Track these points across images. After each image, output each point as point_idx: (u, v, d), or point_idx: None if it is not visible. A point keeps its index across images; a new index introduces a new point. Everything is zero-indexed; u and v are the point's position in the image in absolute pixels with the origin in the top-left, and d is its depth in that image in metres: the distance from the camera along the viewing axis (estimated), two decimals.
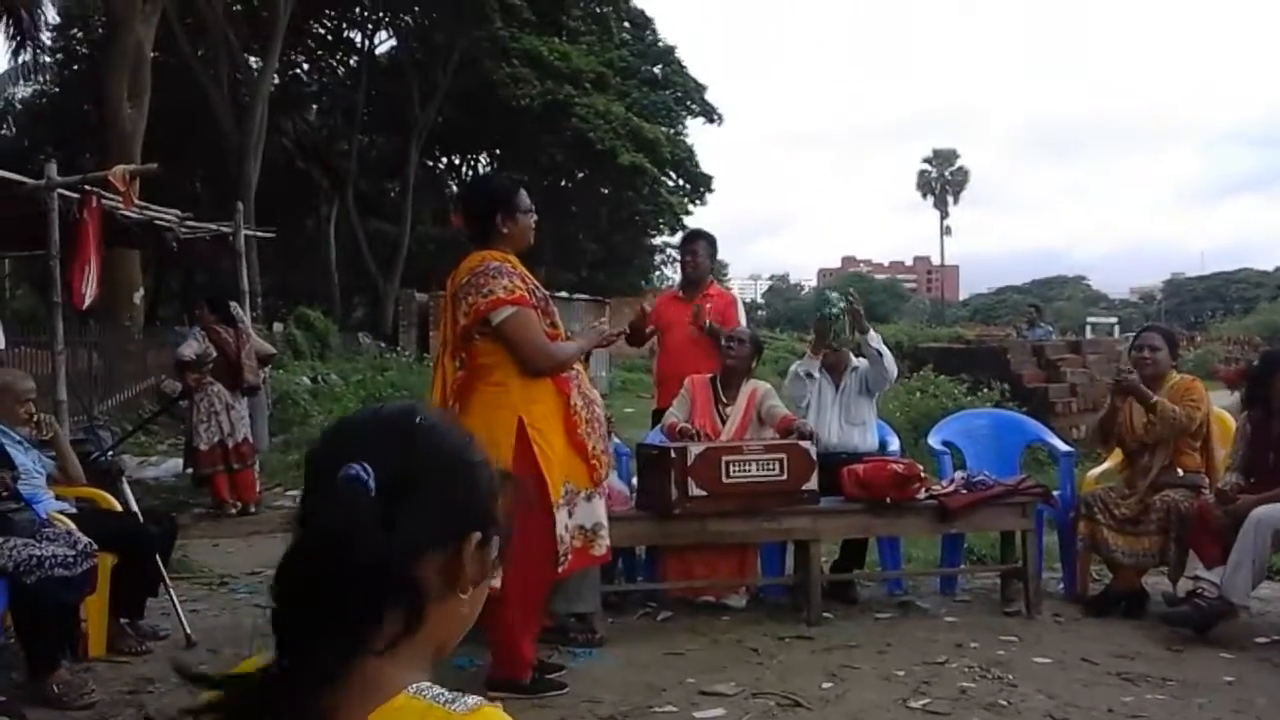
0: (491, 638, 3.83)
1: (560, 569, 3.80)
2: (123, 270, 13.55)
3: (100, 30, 19.67)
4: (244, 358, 7.65)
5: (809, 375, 5.49)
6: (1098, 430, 5.39)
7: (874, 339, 5.37)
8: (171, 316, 22.48)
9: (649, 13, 32.11)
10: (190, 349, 7.62)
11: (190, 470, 7.87)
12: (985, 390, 10.08)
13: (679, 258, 5.91)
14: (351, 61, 27.62)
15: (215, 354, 7.58)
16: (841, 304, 5.42)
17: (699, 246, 5.89)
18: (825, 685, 3.93)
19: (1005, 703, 3.73)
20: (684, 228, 33.85)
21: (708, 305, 5.69)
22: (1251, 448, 4.83)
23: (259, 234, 12.12)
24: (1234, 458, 4.92)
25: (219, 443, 7.51)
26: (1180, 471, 4.97)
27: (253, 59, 22.25)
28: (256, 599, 5.17)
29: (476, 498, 1.10)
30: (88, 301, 6.93)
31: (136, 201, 7.79)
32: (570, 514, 3.77)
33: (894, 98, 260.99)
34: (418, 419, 1.10)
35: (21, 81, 22.81)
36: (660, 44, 32.41)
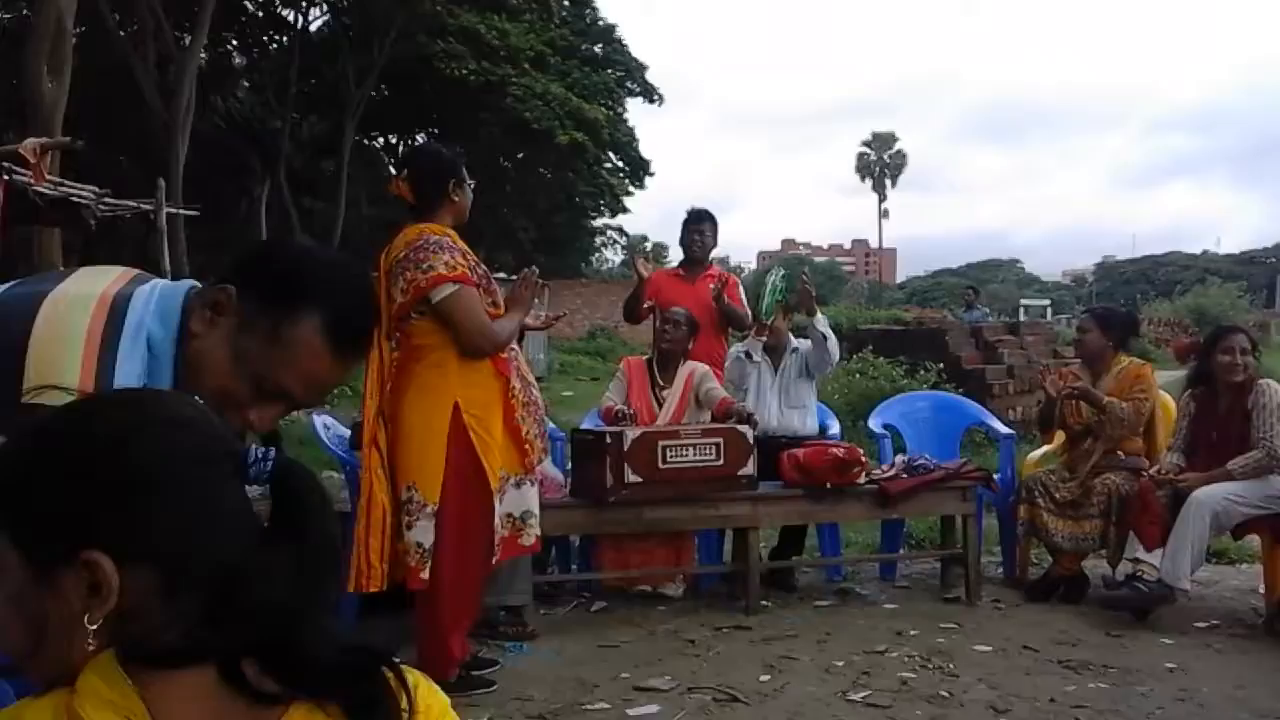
0: (420, 632, 3.66)
1: (493, 560, 3.64)
2: (42, 250, 13.06)
3: (20, 2, 18.99)
4: None
5: (749, 356, 5.36)
6: (1039, 419, 5.37)
7: (820, 322, 5.26)
8: None
9: None
10: None
11: None
12: (923, 372, 10.06)
13: (684, 236, 5.70)
14: (284, 39, 26.99)
15: None
16: (781, 283, 5.30)
17: (705, 226, 5.71)
18: (764, 678, 3.82)
19: (947, 694, 3.64)
20: (624, 210, 33.77)
21: (710, 286, 5.52)
22: (1194, 426, 4.79)
23: (182, 211, 11.75)
24: (1175, 437, 4.88)
25: None
26: (1122, 455, 4.93)
27: (184, 35, 21.62)
28: None
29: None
30: None
31: (49, 177, 7.46)
32: (500, 501, 3.61)
33: (834, 81, 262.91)
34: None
35: None
36: (601, 23, 32.11)
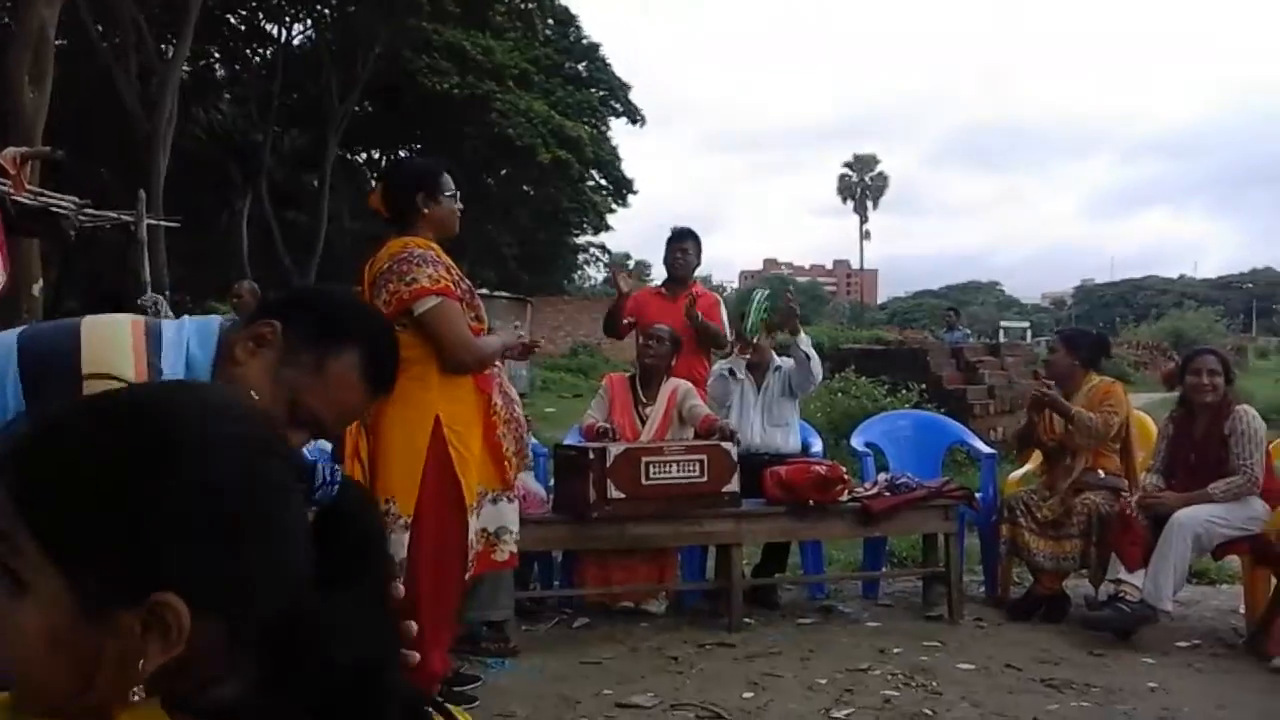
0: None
1: (467, 575, 3.62)
2: (20, 261, 12.97)
3: (2, 13, 18.90)
4: None
5: (732, 374, 5.36)
6: (1016, 441, 5.38)
7: (804, 341, 5.27)
8: (77, 310, 21.67)
9: (573, 9, 31.90)
10: None
11: None
12: (905, 391, 10.09)
13: (667, 255, 5.68)
14: (267, 52, 26.95)
15: None
16: (765, 302, 5.31)
17: (688, 245, 5.69)
18: (746, 695, 3.80)
19: (930, 711, 3.63)
20: (607, 227, 33.84)
21: (698, 301, 5.52)
22: (1172, 447, 4.82)
23: (163, 223, 11.70)
24: (1155, 458, 4.91)
25: None
26: (1101, 473, 4.95)
27: (167, 47, 21.58)
28: None
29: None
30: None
31: (29, 187, 7.41)
32: (476, 517, 3.59)
33: (815, 103, 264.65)
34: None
35: None
36: (585, 41, 32.21)
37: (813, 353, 5.30)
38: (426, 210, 3.61)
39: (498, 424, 3.62)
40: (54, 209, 8.00)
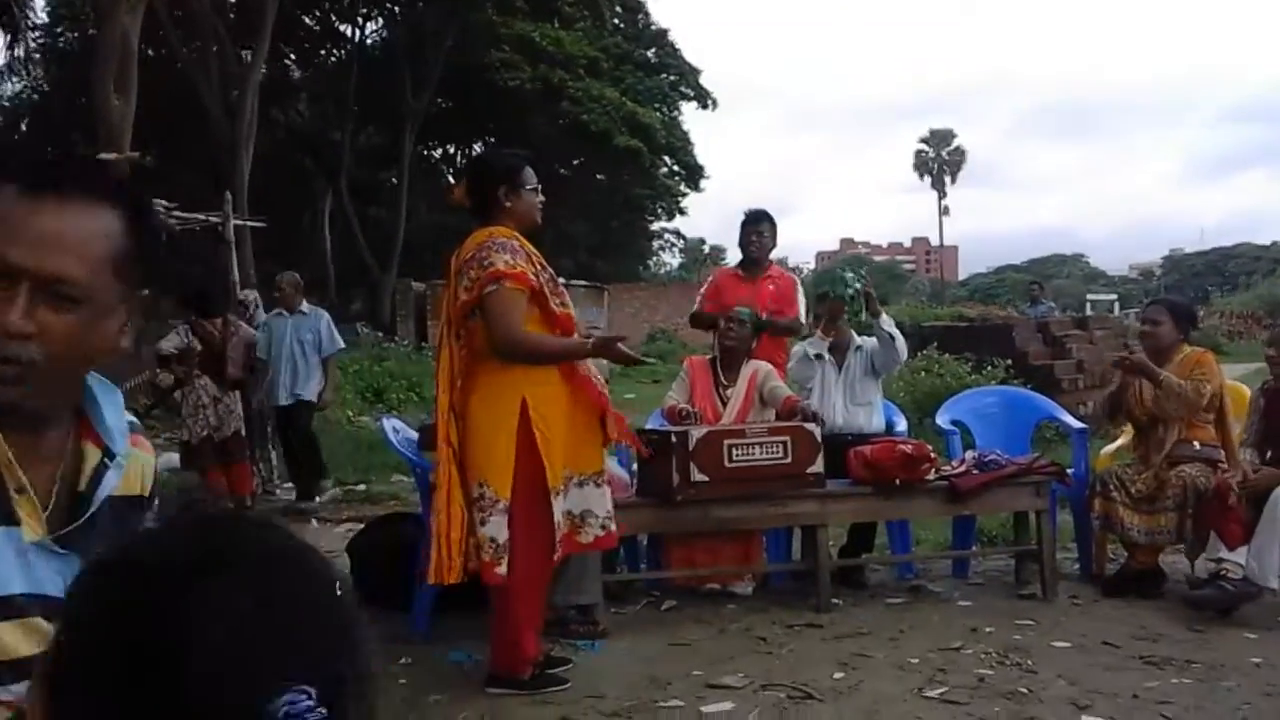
0: (494, 630, 3.69)
1: (555, 557, 3.66)
2: None
3: (87, 24, 19.49)
4: (229, 350, 7.46)
5: (817, 356, 5.33)
6: (1106, 405, 5.25)
7: (886, 321, 5.21)
8: (168, 312, 22.29)
9: None
10: (169, 343, 7.46)
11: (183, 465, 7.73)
12: (990, 368, 9.92)
13: (742, 237, 5.68)
14: (342, 52, 27.40)
15: (199, 347, 7.40)
16: (858, 284, 5.26)
17: (764, 227, 5.67)
18: (837, 675, 3.78)
19: (1026, 690, 3.58)
20: (682, 213, 33.78)
21: (770, 287, 5.52)
22: (1265, 420, 4.68)
23: (249, 223, 11.99)
24: (1248, 432, 4.77)
25: (207, 437, 7.35)
26: (1196, 444, 4.82)
27: (245, 52, 22.06)
28: None
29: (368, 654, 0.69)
30: None
31: None
32: (563, 499, 3.63)
33: (889, 79, 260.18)
34: (338, 585, 0.68)
35: (11, 78, 22.65)
36: (653, 27, 32.13)
37: (896, 332, 5.23)
38: (508, 203, 3.67)
39: (602, 404, 3.68)
40: None
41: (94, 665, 0.61)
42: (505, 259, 3.52)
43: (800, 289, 5.78)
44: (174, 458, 8.81)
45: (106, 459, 1.16)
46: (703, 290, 5.89)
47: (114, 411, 1.18)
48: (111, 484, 1.16)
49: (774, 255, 5.82)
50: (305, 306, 7.76)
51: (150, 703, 0.59)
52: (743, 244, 5.69)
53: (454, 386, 3.62)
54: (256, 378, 7.72)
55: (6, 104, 24.09)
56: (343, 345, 8.01)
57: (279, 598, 0.63)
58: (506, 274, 3.50)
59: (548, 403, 3.60)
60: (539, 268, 3.64)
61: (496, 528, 3.54)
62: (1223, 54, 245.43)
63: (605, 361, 4.05)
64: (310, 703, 0.58)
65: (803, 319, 5.71)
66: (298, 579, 0.66)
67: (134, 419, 1.24)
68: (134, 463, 1.23)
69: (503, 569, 3.54)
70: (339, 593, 0.67)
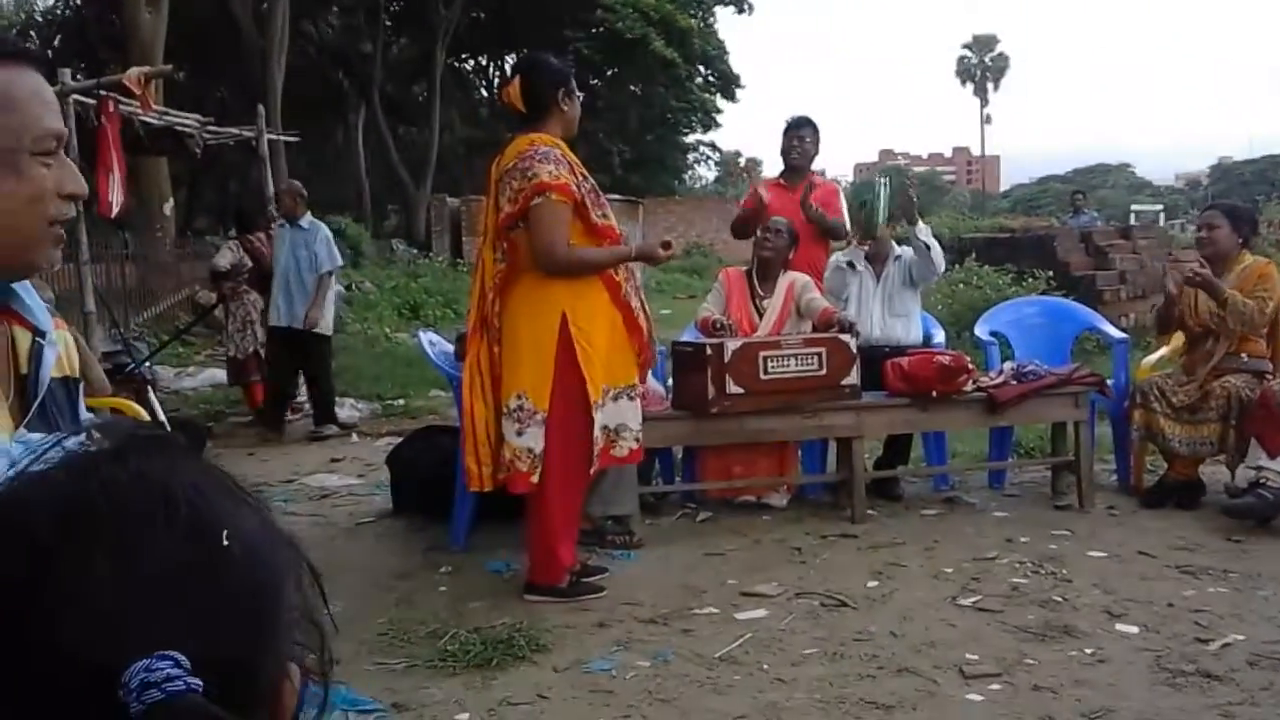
0: (531, 540, 3.74)
1: (590, 469, 3.69)
2: (151, 180, 13.45)
3: None
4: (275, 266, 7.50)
5: (850, 265, 5.27)
6: (1156, 320, 5.16)
7: (923, 230, 5.12)
8: (206, 228, 22.43)
9: None
10: (225, 259, 7.53)
11: (229, 380, 7.84)
12: (1030, 280, 9.78)
13: (785, 144, 5.58)
14: None
15: (250, 263, 7.45)
16: (880, 188, 5.17)
17: (805, 132, 5.56)
18: (871, 584, 3.81)
19: (1060, 599, 3.59)
20: (716, 125, 33.30)
21: (815, 192, 5.43)
22: None
23: (283, 138, 11.95)
24: None
25: (254, 352, 7.44)
26: (1245, 357, 4.73)
27: None
28: (291, 506, 5.13)
29: (288, 624, 0.63)
30: (115, 209, 6.82)
31: (155, 106, 7.62)
32: (600, 413, 3.64)
33: None
34: (225, 534, 0.59)
35: None
36: None
37: (933, 242, 5.15)
38: (564, 108, 3.64)
39: (632, 319, 3.66)
40: (179, 128, 8.23)
41: None
42: (549, 169, 3.49)
43: (841, 197, 5.69)
44: (215, 374, 8.95)
45: (39, 338, 1.18)
46: (744, 200, 5.81)
47: (28, 292, 1.19)
48: (50, 361, 1.18)
49: (812, 166, 5.71)
50: (306, 220, 7.11)
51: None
52: (784, 151, 5.60)
53: (485, 300, 3.62)
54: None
55: (40, 20, 24.02)
56: (340, 263, 7.37)
57: (146, 558, 0.57)
58: (552, 185, 3.47)
59: (588, 317, 3.59)
60: (580, 178, 3.60)
61: (533, 438, 3.56)
62: None
63: (638, 276, 4.01)
64: (173, 670, 0.53)
65: (847, 226, 5.62)
66: (174, 537, 0.58)
67: (49, 296, 1.26)
68: (62, 341, 1.24)
69: (536, 478, 3.57)
70: (235, 551, 0.59)
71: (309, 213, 7.20)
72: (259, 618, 0.60)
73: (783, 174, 5.68)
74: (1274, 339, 4.79)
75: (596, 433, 3.63)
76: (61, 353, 1.23)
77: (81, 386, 1.29)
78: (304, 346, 6.98)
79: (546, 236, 3.49)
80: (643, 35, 25.74)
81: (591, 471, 3.71)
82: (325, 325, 7.06)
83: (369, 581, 3.99)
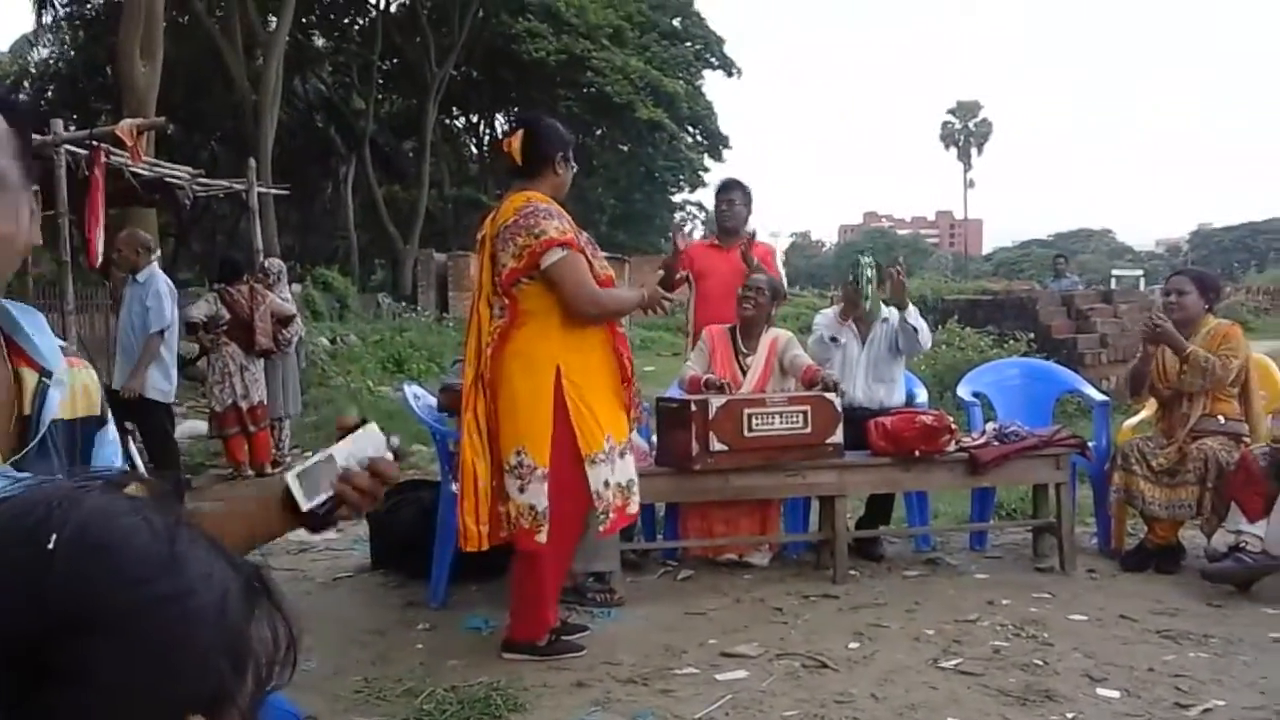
0: (518, 597, 3.71)
1: (601, 528, 3.66)
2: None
3: None
4: (257, 319, 7.51)
5: (834, 340, 5.29)
6: (1129, 379, 5.20)
7: (912, 314, 5.13)
8: (194, 280, 22.44)
9: None
10: (200, 311, 7.51)
11: (209, 433, 7.80)
12: (1013, 342, 9.87)
13: (715, 206, 5.70)
14: (365, 20, 27.34)
15: (227, 316, 7.45)
16: (870, 271, 5.20)
17: (735, 195, 5.67)
18: (852, 645, 3.79)
19: (1041, 662, 3.58)
20: (704, 184, 33.66)
21: (755, 248, 5.49)
22: None
23: (273, 191, 12.01)
24: None
25: (233, 405, 7.42)
26: (1221, 419, 4.78)
27: (269, 19, 22.06)
28: (268, 560, 5.08)
29: (190, 663, 0.64)
30: (100, 259, 6.81)
31: (145, 158, 7.66)
32: (612, 470, 3.62)
33: (914, 50, 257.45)
34: (50, 543, 0.63)
35: (40, 45, 22.76)
36: None
37: (921, 324, 5.18)
38: (559, 171, 3.68)
39: (626, 372, 3.69)
40: (169, 179, 8.27)
41: None
42: (555, 224, 3.53)
43: (778, 258, 5.79)
44: (195, 425, 8.90)
45: (45, 379, 1.17)
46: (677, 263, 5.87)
47: (39, 332, 1.19)
48: (55, 402, 1.17)
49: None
50: (145, 273, 6.20)
51: None
52: (716, 213, 5.72)
53: (481, 356, 3.62)
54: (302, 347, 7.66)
55: (34, 71, 24.19)
56: (168, 322, 6.12)
57: None
58: (561, 241, 3.51)
59: (580, 371, 3.60)
60: (576, 232, 3.65)
61: (535, 495, 3.54)
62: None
63: (624, 332, 4.04)
64: None
65: (785, 285, 5.69)
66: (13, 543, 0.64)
67: (63, 341, 1.25)
68: (77, 380, 1.24)
69: (542, 536, 3.55)
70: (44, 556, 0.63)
71: (153, 264, 6.36)
72: (58, 613, 0.62)
73: (716, 235, 5.78)
74: (1246, 401, 4.84)
75: (610, 491, 3.61)
76: (79, 392, 1.23)
77: (107, 427, 1.28)
78: (133, 414, 5.96)
79: (579, 286, 3.53)
80: (629, 100, 26.09)
81: (604, 529, 3.69)
82: (157, 390, 6.10)
83: (345, 637, 3.95)
